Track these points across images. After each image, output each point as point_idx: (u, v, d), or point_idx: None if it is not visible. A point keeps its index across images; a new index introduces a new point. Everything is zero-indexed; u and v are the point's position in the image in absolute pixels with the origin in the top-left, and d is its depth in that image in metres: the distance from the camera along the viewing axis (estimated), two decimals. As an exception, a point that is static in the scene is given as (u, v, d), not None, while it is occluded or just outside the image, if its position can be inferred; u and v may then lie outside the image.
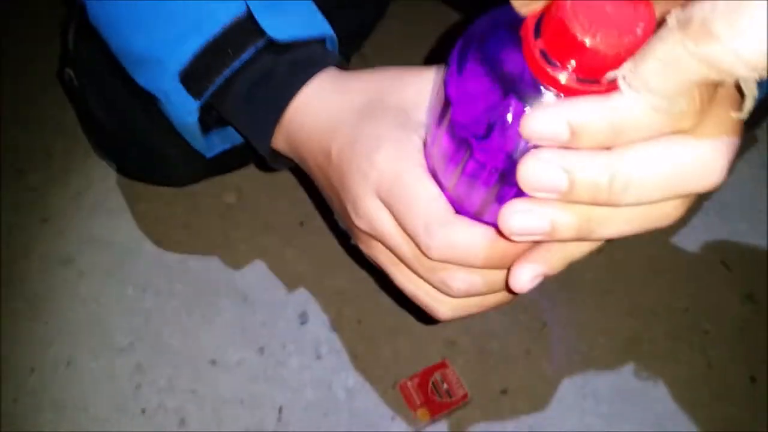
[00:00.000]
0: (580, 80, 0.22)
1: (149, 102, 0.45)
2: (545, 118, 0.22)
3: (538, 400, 0.64)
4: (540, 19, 0.23)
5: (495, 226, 0.29)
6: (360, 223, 0.34)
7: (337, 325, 0.67)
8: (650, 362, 0.66)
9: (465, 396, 0.62)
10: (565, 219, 0.25)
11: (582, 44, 0.21)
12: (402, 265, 0.35)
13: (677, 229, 0.73)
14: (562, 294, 0.70)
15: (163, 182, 0.68)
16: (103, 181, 0.74)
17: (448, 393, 0.61)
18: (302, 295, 0.68)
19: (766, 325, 0.68)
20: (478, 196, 0.29)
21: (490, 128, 0.26)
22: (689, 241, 0.73)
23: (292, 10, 0.40)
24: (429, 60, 0.84)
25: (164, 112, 0.45)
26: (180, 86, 0.41)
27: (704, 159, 0.22)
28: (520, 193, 0.25)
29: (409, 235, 0.32)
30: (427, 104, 0.34)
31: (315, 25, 0.41)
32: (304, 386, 0.63)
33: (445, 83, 0.27)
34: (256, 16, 0.39)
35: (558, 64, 0.23)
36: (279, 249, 0.71)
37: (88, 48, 0.55)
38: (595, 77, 0.22)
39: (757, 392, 0.65)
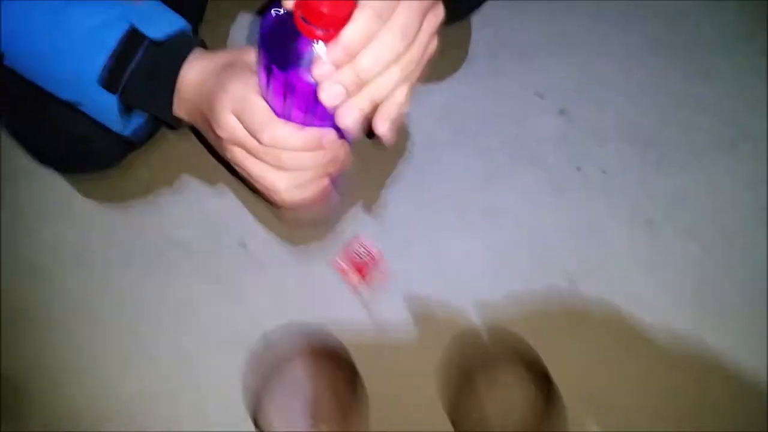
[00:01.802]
0: (325, 31, 0.43)
1: (71, 108, 0.62)
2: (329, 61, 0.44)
3: (431, 238, 0.85)
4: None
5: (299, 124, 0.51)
6: (222, 133, 0.54)
7: (269, 241, 0.84)
8: (502, 183, 0.89)
9: (380, 254, 0.82)
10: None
11: (320, 11, 0.41)
12: (252, 157, 0.55)
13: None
14: (433, 154, 0.90)
15: (95, 167, 0.83)
16: (31, 196, 0.86)
17: (368, 255, 0.82)
18: (234, 228, 0.85)
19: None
20: (283, 107, 0.51)
21: (283, 66, 0.47)
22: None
23: (158, 17, 0.59)
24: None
25: (90, 112, 0.62)
26: (100, 89, 0.58)
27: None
28: (300, 104, 0.48)
29: (250, 133, 0.52)
30: None
31: (175, 21, 0.59)
32: (261, 291, 0.81)
33: (259, 42, 0.48)
34: (138, 27, 0.56)
35: (313, 24, 0.42)
36: (200, 201, 0.87)
37: (6, 95, 0.69)
38: (333, 28, 0.43)
39: (585, 178, 0.90)
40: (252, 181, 0.58)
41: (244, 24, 1.02)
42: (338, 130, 0.53)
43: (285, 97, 0.49)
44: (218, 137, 0.55)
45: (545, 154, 0.92)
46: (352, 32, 0.42)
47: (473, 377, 0.75)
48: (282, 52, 0.46)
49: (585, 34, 1.04)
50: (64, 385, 0.75)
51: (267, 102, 0.52)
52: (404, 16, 0.44)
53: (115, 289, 0.81)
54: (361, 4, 0.42)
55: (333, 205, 0.66)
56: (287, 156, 0.53)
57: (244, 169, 0.57)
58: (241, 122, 0.52)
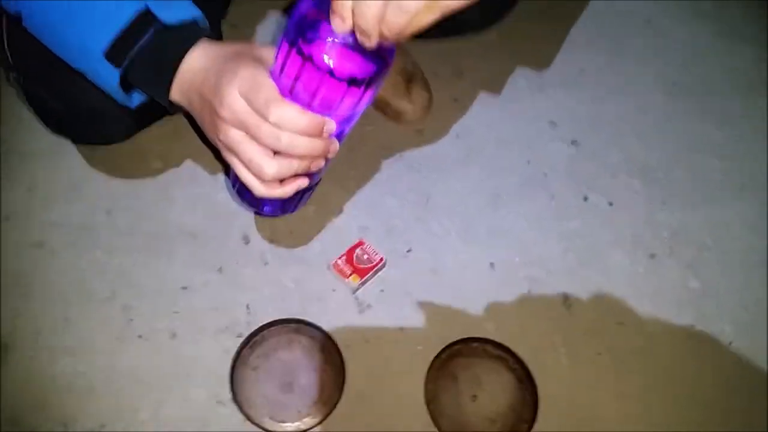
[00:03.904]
0: None
1: (82, 77, 0.64)
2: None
3: (434, 250, 0.86)
4: None
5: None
6: (225, 112, 0.54)
7: (273, 238, 0.85)
8: (509, 206, 0.90)
9: (381, 259, 0.82)
10: None
11: None
12: (248, 140, 0.55)
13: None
14: (442, 171, 0.92)
15: (106, 139, 0.85)
16: (47, 176, 0.87)
17: (369, 260, 0.82)
18: (240, 222, 0.86)
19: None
20: (292, 88, 0.53)
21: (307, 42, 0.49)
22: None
23: (174, 2, 0.60)
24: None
25: (94, 82, 0.63)
26: (105, 62, 0.59)
27: None
28: (310, 86, 0.51)
29: (257, 111, 0.53)
30: (270, 59, 0.56)
31: (189, 10, 0.61)
32: (261, 286, 0.82)
33: (290, 19, 0.51)
34: (151, 9, 0.58)
35: None
36: (210, 194, 0.88)
37: (24, 52, 0.71)
38: None
39: (591, 208, 0.90)
40: (240, 166, 0.58)
41: (268, 27, 1.05)
42: (336, 126, 0.56)
43: (298, 77, 0.51)
44: (219, 117, 0.55)
45: (554, 181, 0.93)
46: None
47: (457, 379, 0.75)
48: (309, 31, 0.49)
49: (601, 69, 1.06)
50: (55, 358, 0.76)
51: (276, 84, 0.53)
52: None
53: (116, 271, 0.82)
54: None
55: (293, 207, 0.69)
56: (286, 138, 0.53)
57: (237, 153, 0.57)
58: (248, 101, 0.53)
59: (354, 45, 0.49)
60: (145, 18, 0.58)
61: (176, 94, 0.60)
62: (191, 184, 0.89)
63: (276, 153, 0.56)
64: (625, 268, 0.86)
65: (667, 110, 1.03)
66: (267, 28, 1.04)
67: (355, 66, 0.51)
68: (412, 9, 0.43)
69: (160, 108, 0.64)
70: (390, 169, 0.92)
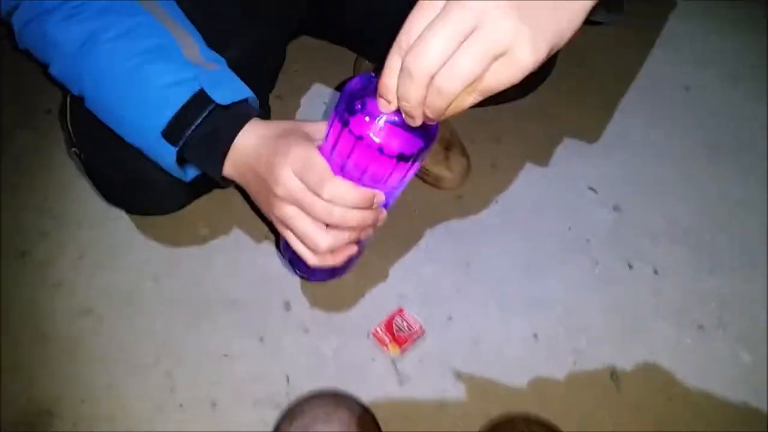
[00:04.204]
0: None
1: (139, 152, 0.67)
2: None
3: (474, 319, 0.85)
4: None
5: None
6: (280, 190, 0.57)
7: (314, 304, 0.85)
8: (551, 273, 0.89)
9: (421, 328, 0.82)
10: None
11: None
12: (302, 215, 0.58)
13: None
14: (482, 237, 0.92)
15: (161, 210, 0.87)
16: (97, 243, 0.90)
17: (409, 329, 0.81)
18: (281, 288, 0.87)
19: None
20: (343, 165, 0.55)
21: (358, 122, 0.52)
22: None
23: (226, 83, 0.63)
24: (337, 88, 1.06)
25: (151, 158, 0.66)
26: (162, 141, 0.62)
27: None
28: (361, 163, 0.53)
29: (310, 189, 0.56)
30: (319, 137, 0.59)
31: (242, 90, 0.64)
32: (300, 355, 0.82)
33: (342, 99, 0.53)
34: (206, 91, 0.61)
35: None
36: (253, 260, 0.89)
37: (85, 127, 0.74)
38: None
39: (636, 275, 0.89)
40: (295, 239, 0.61)
41: (314, 99, 1.08)
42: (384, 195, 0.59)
43: (349, 154, 0.53)
44: (274, 195, 0.58)
45: (597, 248, 0.92)
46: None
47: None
48: (358, 110, 0.52)
49: (641, 134, 1.06)
50: (96, 425, 0.76)
51: (327, 161, 0.56)
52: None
53: (159, 337, 0.83)
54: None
55: (341, 272, 0.71)
56: (339, 212, 0.56)
57: (291, 227, 0.60)
58: (302, 180, 0.56)
59: (401, 123, 0.51)
60: (200, 99, 0.61)
61: (229, 170, 0.63)
62: (235, 251, 0.90)
63: (328, 225, 0.58)
64: (673, 339, 0.84)
65: (709, 174, 1.02)
66: (312, 101, 1.08)
67: (402, 143, 0.53)
68: (451, 93, 0.44)
69: (212, 180, 0.67)
70: (429, 235, 0.92)
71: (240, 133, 0.61)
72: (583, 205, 0.97)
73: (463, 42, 0.41)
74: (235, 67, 0.66)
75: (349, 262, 0.68)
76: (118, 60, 0.62)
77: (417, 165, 0.56)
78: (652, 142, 1.05)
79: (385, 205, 0.62)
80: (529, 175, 1.00)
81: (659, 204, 0.98)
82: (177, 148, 0.62)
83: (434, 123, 0.53)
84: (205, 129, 0.62)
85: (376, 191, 0.57)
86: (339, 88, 1.08)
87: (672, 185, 1.00)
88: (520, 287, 0.88)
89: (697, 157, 1.03)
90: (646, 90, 1.13)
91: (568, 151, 1.03)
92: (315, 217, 0.57)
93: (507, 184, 0.99)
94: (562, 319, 0.85)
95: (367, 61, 1.05)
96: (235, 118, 0.62)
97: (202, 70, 0.63)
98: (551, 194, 0.98)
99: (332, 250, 0.61)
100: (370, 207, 0.57)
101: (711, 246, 0.93)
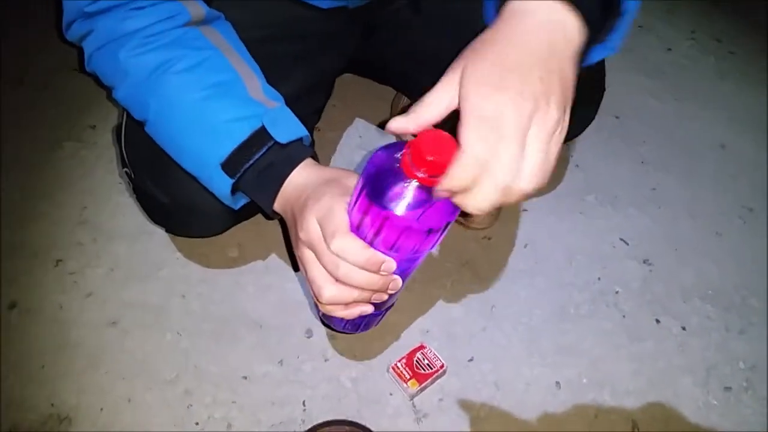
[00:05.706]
0: (430, 176, 0.47)
1: (190, 177, 0.68)
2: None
3: (497, 361, 0.84)
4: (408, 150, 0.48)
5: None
6: (302, 234, 0.58)
7: (335, 334, 0.85)
8: (578, 321, 0.88)
9: (442, 366, 0.81)
10: None
11: (426, 158, 0.46)
12: (314, 260, 0.58)
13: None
14: (509, 280, 0.91)
15: (203, 233, 0.89)
16: (130, 257, 0.92)
17: (429, 366, 0.81)
18: (304, 316, 0.87)
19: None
20: (360, 224, 0.54)
21: (375, 193, 0.51)
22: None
23: (285, 121, 0.65)
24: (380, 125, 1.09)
25: (206, 185, 0.68)
26: (220, 171, 0.64)
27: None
28: (375, 225, 0.52)
29: (324, 237, 0.56)
30: None
31: (298, 129, 0.66)
32: (318, 383, 0.81)
33: (365, 169, 0.53)
34: (267, 128, 0.63)
35: (416, 167, 0.47)
36: (280, 285, 0.90)
37: (137, 149, 0.77)
38: (435, 174, 0.46)
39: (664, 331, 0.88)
40: (307, 283, 0.61)
41: (351, 133, 1.10)
42: (399, 264, 0.57)
43: (364, 215, 0.53)
44: (297, 236, 0.60)
45: (625, 300, 0.91)
46: (450, 180, 0.45)
47: None
48: (381, 179, 0.51)
49: (674, 190, 1.05)
50: (113, 437, 0.77)
51: (349, 217, 0.56)
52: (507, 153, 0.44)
53: (182, 354, 0.83)
54: (462, 150, 0.45)
55: (361, 328, 0.70)
56: (345, 268, 0.56)
57: (305, 270, 0.60)
58: (321, 227, 0.56)
59: (426, 197, 0.50)
60: (261, 135, 0.64)
61: (278, 205, 0.65)
62: (263, 275, 0.91)
63: (338, 279, 0.58)
64: (698, 398, 0.82)
65: (742, 234, 1.00)
66: (349, 135, 1.10)
67: (429, 218, 0.52)
68: (491, 204, 0.46)
69: (255, 209, 0.68)
70: (455, 274, 0.92)
71: (294, 171, 0.63)
72: (613, 256, 0.97)
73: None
74: (289, 102, 0.68)
75: (368, 320, 0.67)
76: (186, 92, 0.65)
77: (429, 240, 0.55)
78: (685, 197, 1.05)
79: (402, 274, 0.60)
80: (560, 221, 1.00)
81: (690, 261, 0.97)
82: (234, 180, 0.65)
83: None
84: (261, 164, 0.64)
85: (387, 258, 0.56)
86: (381, 125, 1.09)
87: (704, 243, 0.99)
88: (546, 334, 0.87)
89: (730, 216, 1.03)
90: (681, 144, 1.13)
91: (600, 202, 1.03)
92: (324, 267, 0.57)
93: (537, 229, 0.99)
94: (586, 369, 0.84)
95: (405, 98, 1.07)
96: (291, 156, 0.64)
97: (264, 108, 0.65)
98: (582, 243, 0.98)
99: (345, 304, 0.60)
100: (377, 271, 0.57)
101: (741, 307, 0.91)
